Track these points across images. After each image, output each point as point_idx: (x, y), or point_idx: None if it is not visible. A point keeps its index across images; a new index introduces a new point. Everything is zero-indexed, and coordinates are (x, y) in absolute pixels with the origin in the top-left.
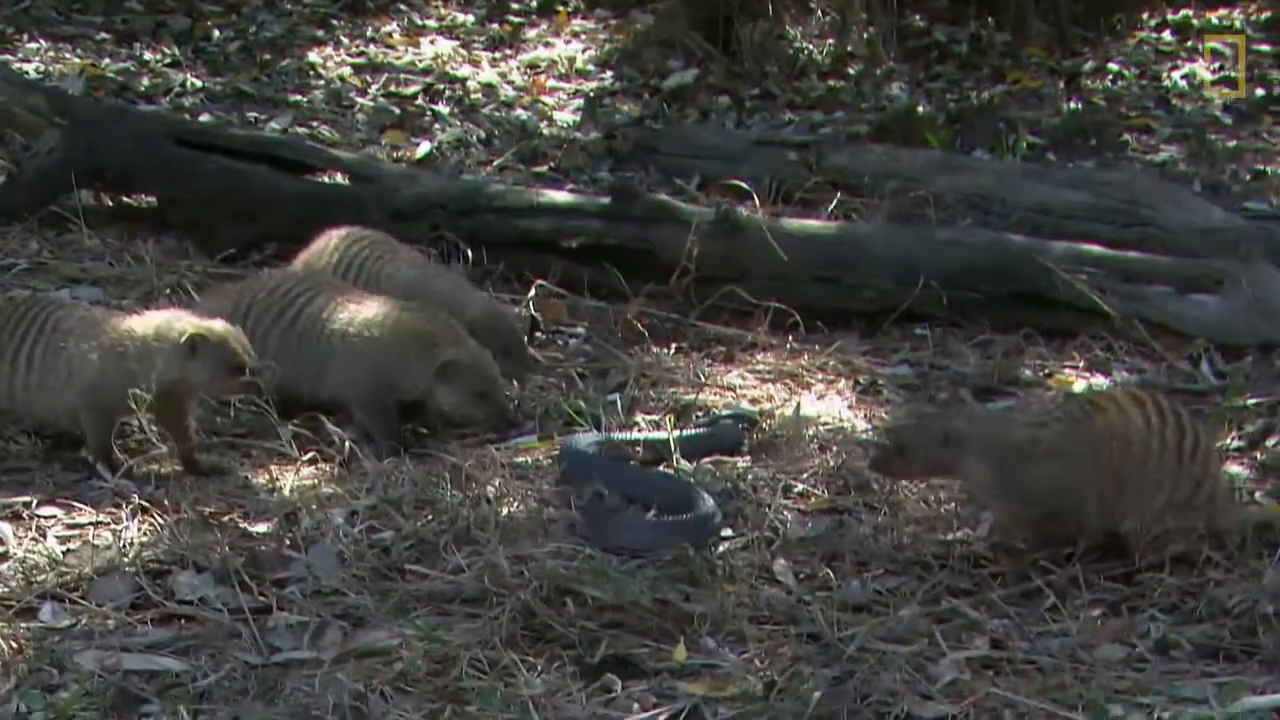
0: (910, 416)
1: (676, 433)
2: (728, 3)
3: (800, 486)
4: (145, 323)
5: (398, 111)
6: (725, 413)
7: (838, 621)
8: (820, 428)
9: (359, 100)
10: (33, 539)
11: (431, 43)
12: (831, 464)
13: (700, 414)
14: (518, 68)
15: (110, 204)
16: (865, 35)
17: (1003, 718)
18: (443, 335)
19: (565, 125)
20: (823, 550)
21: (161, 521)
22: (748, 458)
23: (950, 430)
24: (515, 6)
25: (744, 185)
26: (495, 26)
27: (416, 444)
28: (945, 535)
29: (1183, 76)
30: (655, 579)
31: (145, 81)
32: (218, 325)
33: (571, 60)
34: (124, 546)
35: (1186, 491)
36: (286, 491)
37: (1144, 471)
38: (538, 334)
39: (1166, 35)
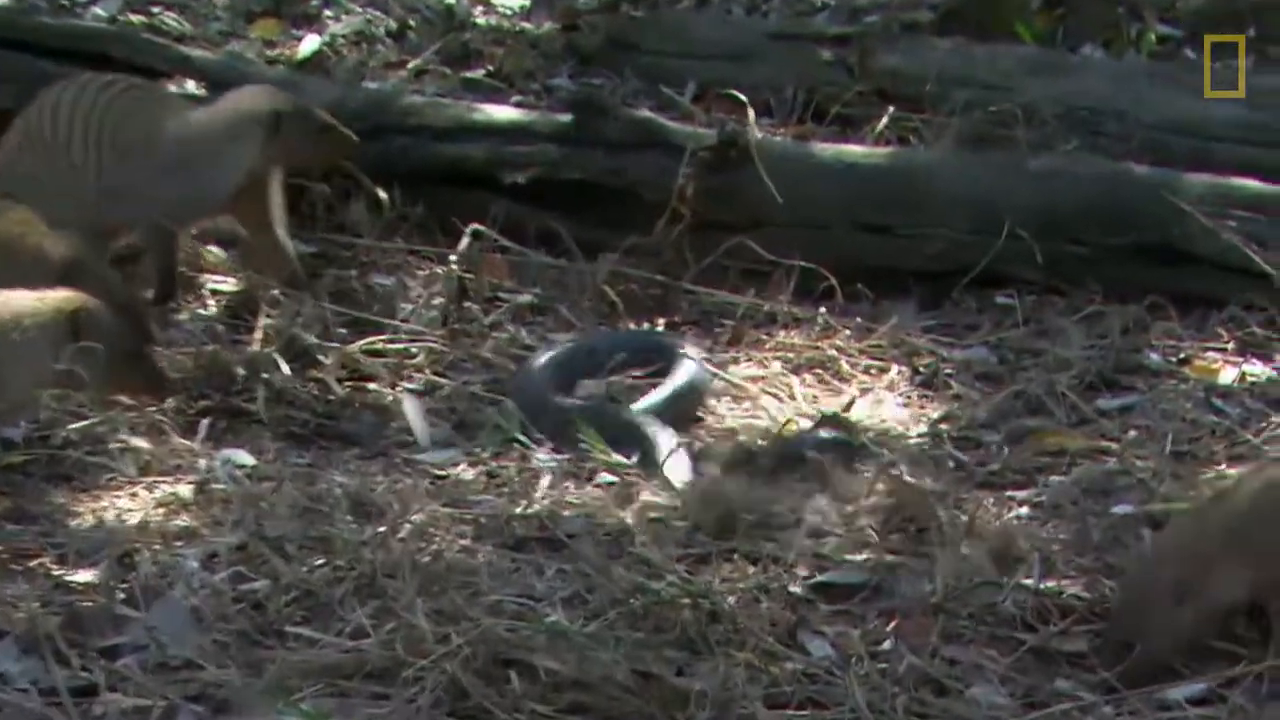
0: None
1: None
2: None
3: (837, 521)
4: None
5: None
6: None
7: (890, 705)
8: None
9: None
10: None
11: None
12: (880, 489)
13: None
14: None
15: None
16: None
17: None
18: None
19: (509, 12)
20: (867, 609)
21: None
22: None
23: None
24: None
25: (754, 97)
26: None
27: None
28: (1038, 584)
29: None
30: (635, 644)
31: None
32: None
33: None
34: None
35: None
36: (121, 525)
37: None
38: (469, 304)
39: None
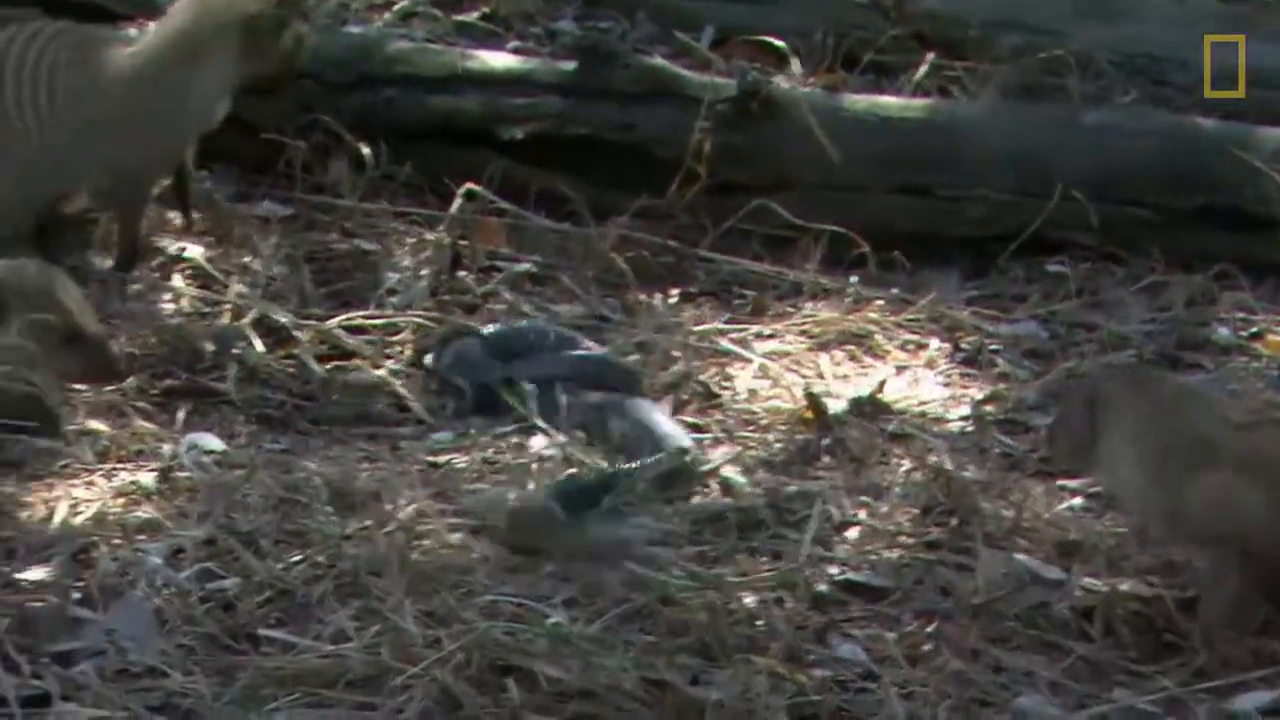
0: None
1: None
2: None
3: (863, 514)
4: None
5: None
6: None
7: (930, 714)
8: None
9: None
10: None
11: None
12: (919, 479)
13: None
14: None
15: None
16: None
17: None
18: None
19: None
20: (903, 610)
21: None
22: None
23: (1096, 392)
24: None
25: (782, 43)
26: None
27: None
28: (1098, 583)
29: None
30: (645, 648)
31: None
32: None
33: None
34: None
35: None
36: (76, 517)
37: None
38: (461, 273)
39: None
